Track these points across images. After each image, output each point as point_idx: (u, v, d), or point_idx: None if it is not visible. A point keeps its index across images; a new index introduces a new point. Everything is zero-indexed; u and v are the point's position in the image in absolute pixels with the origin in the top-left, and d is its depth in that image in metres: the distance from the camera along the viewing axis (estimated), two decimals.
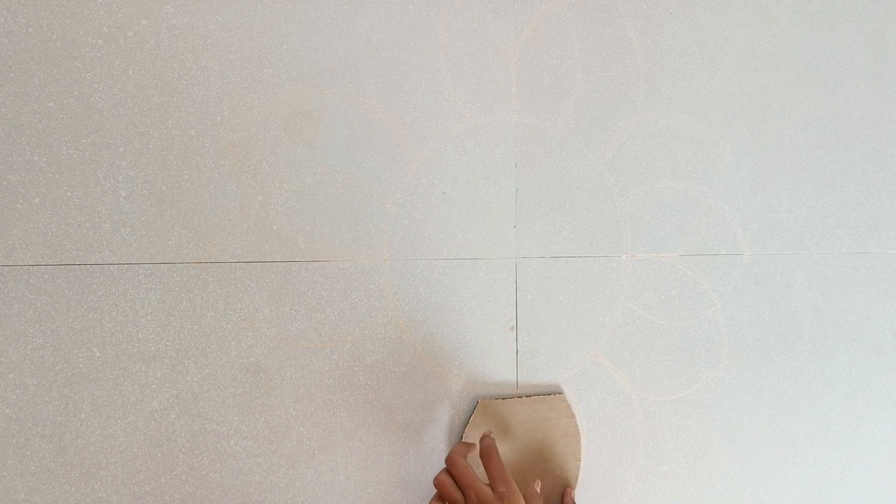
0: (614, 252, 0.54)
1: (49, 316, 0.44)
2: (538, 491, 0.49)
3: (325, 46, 0.49)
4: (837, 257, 0.58)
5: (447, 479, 0.43)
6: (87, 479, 0.44)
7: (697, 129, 0.56)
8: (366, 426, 0.49)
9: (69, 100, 0.45)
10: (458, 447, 0.45)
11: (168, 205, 0.46)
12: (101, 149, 0.45)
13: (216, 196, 0.47)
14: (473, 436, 0.50)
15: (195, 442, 0.46)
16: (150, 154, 0.46)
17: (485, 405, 0.51)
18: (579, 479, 0.52)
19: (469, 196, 0.52)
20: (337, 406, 0.49)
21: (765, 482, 0.56)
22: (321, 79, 0.49)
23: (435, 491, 0.44)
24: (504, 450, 0.51)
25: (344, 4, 0.50)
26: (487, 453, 0.45)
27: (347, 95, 0.50)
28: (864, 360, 0.58)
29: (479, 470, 0.46)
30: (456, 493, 0.42)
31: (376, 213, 0.50)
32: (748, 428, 0.55)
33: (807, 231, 0.57)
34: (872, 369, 0.58)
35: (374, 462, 0.49)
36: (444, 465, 0.44)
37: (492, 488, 0.43)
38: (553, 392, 0.52)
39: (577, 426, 0.52)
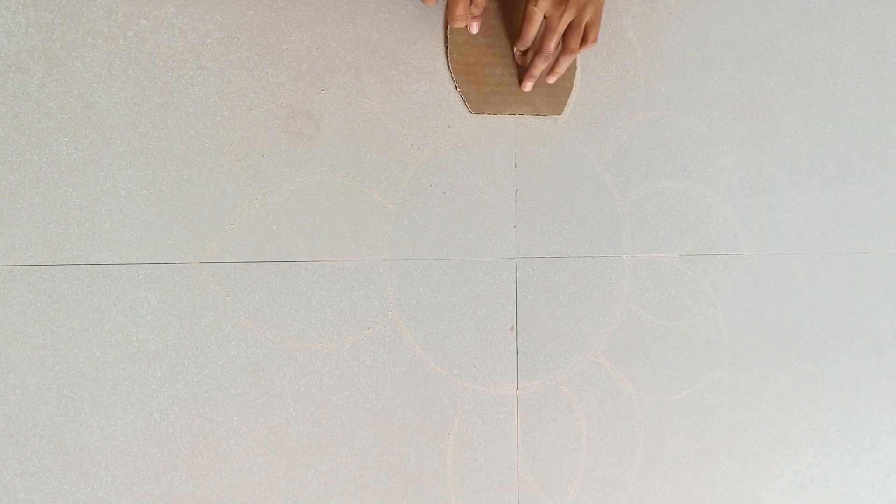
0: (614, 252, 0.54)
1: (49, 316, 0.44)
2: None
3: (325, 46, 0.49)
4: (837, 257, 0.58)
5: None
6: (87, 479, 0.44)
7: (697, 129, 0.56)
8: (366, 426, 0.49)
9: (69, 100, 0.45)
10: None
11: (168, 205, 0.46)
12: (101, 149, 0.45)
13: (216, 196, 0.47)
14: None
15: (195, 442, 0.46)
16: (150, 154, 0.46)
17: None
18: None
19: (469, 196, 0.52)
20: (337, 406, 0.49)
21: (765, 482, 0.56)
22: (321, 79, 0.49)
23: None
24: None
25: (344, 4, 0.50)
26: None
27: (347, 95, 0.50)
28: (864, 360, 0.58)
29: None
30: None
31: (376, 213, 0.50)
32: (748, 428, 0.55)
33: (807, 231, 0.57)
34: (872, 369, 0.58)
35: (374, 462, 0.49)
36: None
37: None
38: None
39: None
